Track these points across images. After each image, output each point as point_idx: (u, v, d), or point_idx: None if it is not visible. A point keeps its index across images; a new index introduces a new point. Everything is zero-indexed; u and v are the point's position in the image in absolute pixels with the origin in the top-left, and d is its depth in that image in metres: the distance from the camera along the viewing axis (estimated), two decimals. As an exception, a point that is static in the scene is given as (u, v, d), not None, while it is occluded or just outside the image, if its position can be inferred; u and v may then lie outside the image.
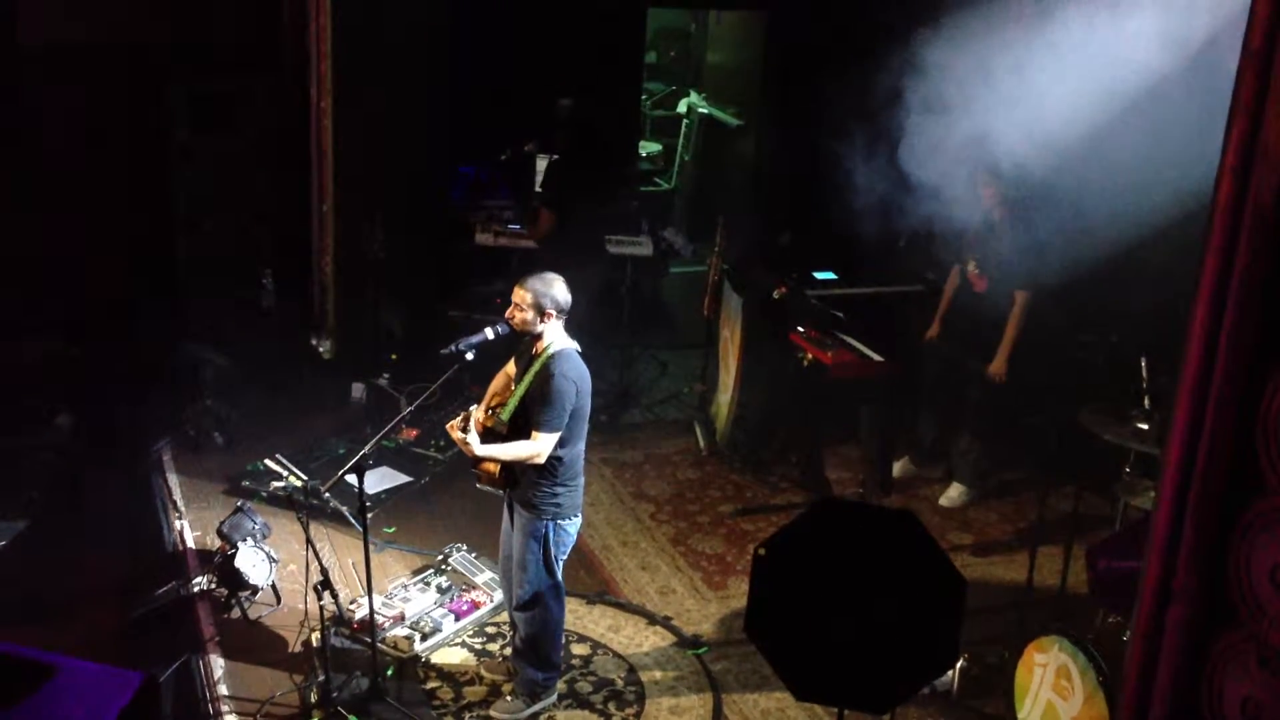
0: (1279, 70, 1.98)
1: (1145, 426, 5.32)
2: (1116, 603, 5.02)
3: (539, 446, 5.00)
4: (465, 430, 4.96)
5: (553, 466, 5.08)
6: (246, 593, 6.00)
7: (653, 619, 6.20)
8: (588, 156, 7.77)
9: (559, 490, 5.15)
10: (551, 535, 5.19)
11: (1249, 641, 2.14)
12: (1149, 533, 2.41)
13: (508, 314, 5.13)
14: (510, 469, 5.15)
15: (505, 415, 5.12)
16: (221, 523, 6.24)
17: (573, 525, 5.28)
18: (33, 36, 7.78)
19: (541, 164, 8.22)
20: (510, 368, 5.38)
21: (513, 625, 5.50)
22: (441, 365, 5.31)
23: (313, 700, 5.34)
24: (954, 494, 7.35)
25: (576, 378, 5.06)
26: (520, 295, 5.08)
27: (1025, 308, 6.77)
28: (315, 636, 5.59)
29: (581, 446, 5.23)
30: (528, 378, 5.10)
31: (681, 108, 12.27)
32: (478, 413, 5.10)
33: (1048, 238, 6.62)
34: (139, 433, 7.55)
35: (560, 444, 5.05)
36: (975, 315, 6.95)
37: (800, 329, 7.20)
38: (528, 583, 5.25)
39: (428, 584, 6.18)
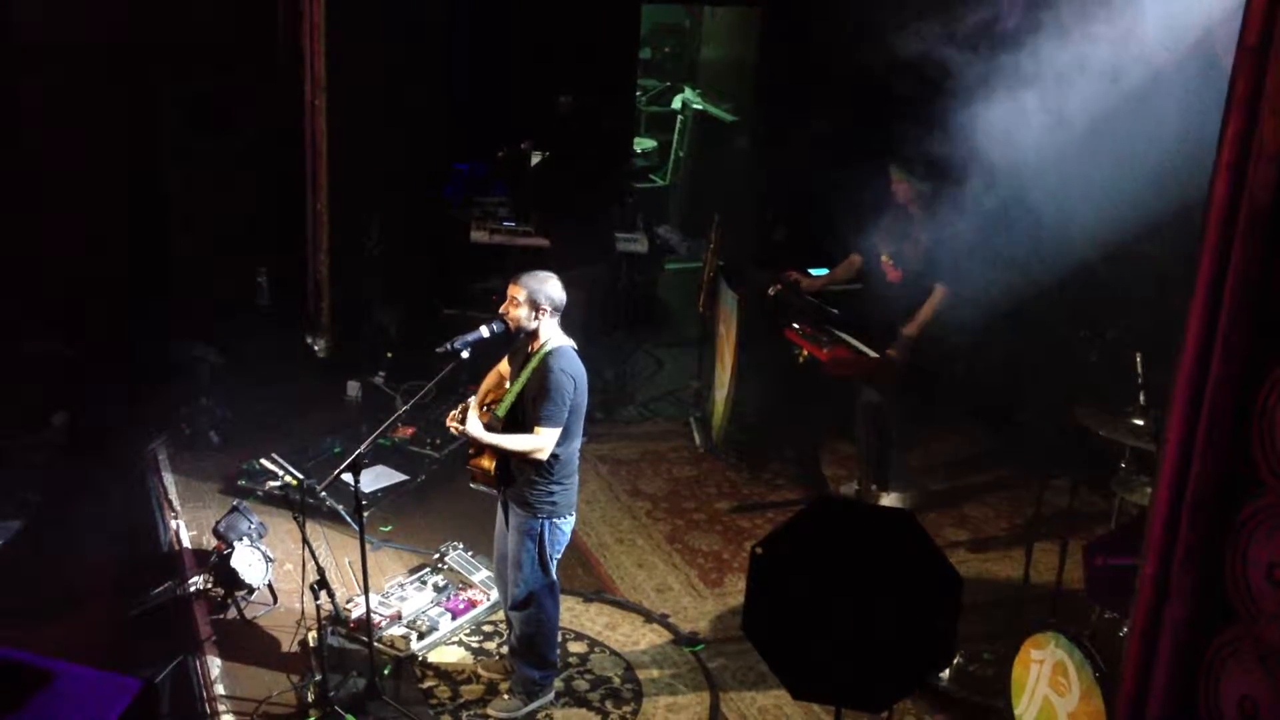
0: (1274, 68, 1.97)
1: (1141, 423, 5.32)
2: (1113, 600, 5.02)
3: (541, 441, 5.01)
4: (464, 421, 4.96)
5: (549, 464, 5.09)
6: (243, 592, 5.99)
7: (650, 617, 6.20)
8: (587, 153, 7.75)
9: (554, 488, 5.15)
10: (546, 534, 5.19)
11: (1246, 639, 2.14)
12: (1146, 530, 2.42)
13: (502, 310, 5.14)
14: (505, 468, 5.15)
15: (500, 412, 5.12)
16: (217, 522, 6.23)
17: (567, 524, 5.28)
18: (29, 36, 7.76)
19: (535, 160, 8.22)
20: (503, 366, 5.38)
21: (509, 624, 5.50)
22: (437, 363, 5.31)
23: (309, 699, 5.34)
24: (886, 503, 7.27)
25: (575, 374, 5.07)
26: (514, 291, 5.09)
27: (941, 300, 6.70)
28: (312, 636, 5.58)
29: (578, 445, 5.23)
30: (524, 374, 5.10)
31: (676, 104, 12.25)
32: (473, 412, 5.11)
33: (969, 235, 6.62)
34: (135, 432, 7.53)
35: (557, 441, 5.05)
36: (888, 309, 6.89)
37: (795, 325, 7.19)
38: (523, 582, 5.24)
39: (424, 582, 6.18)
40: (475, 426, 5.00)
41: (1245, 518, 2.12)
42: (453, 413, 5.03)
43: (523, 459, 5.08)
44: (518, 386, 5.11)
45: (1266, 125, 2.04)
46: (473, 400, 5.10)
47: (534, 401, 5.03)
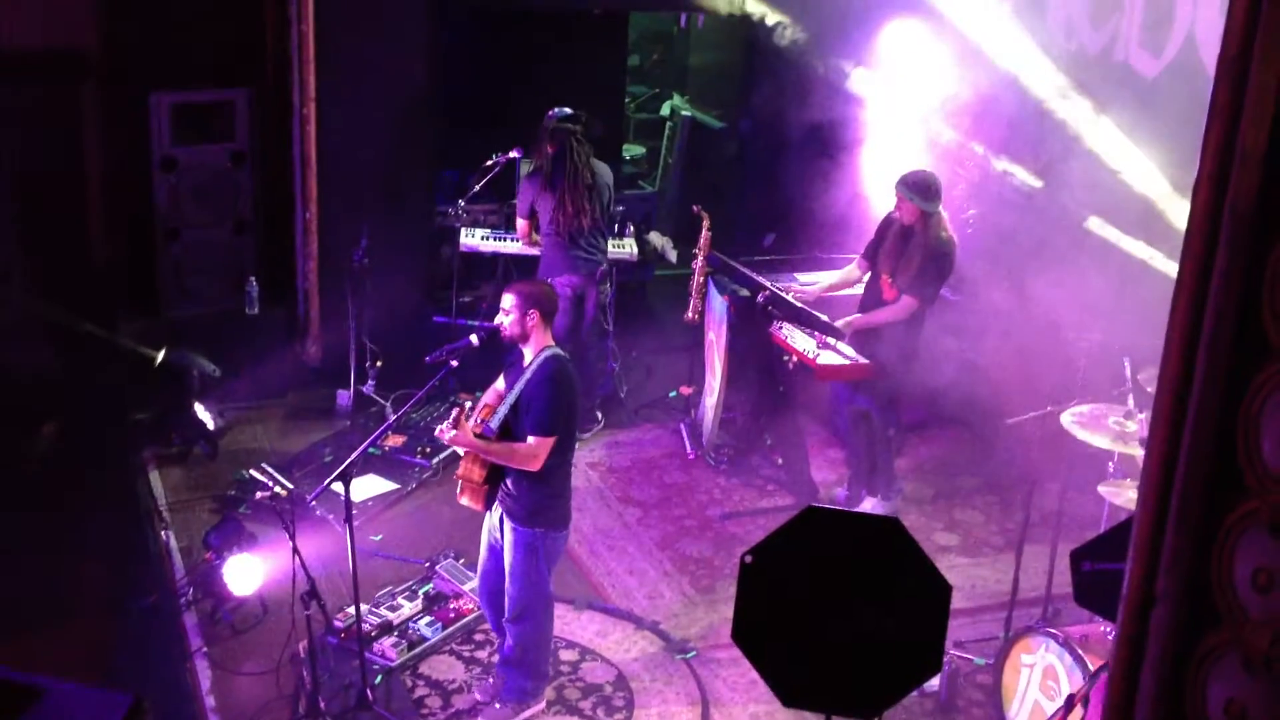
0: (1255, 76, 1.99)
1: (1130, 427, 5.35)
2: (1101, 606, 5.03)
3: (535, 449, 5.01)
4: (457, 426, 4.96)
5: (543, 474, 5.08)
6: (233, 603, 5.97)
7: (641, 624, 6.20)
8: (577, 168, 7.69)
9: (549, 499, 5.15)
10: (542, 545, 5.18)
11: (1232, 644, 2.15)
12: (1132, 535, 2.42)
13: (496, 321, 5.15)
14: (497, 479, 5.14)
15: (494, 423, 5.12)
16: (207, 533, 6.21)
17: (563, 535, 5.28)
18: (11, 42, 7.74)
19: (526, 169, 8.21)
20: (500, 383, 5.37)
21: (500, 633, 5.49)
22: (427, 372, 5.31)
23: (301, 710, 5.33)
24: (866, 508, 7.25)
25: (567, 383, 5.09)
26: (505, 300, 5.11)
27: (903, 312, 6.72)
28: (303, 646, 5.57)
29: (570, 455, 5.24)
30: (519, 385, 5.10)
31: (665, 110, 12.27)
32: (468, 422, 5.11)
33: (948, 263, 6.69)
34: (124, 442, 7.51)
35: (550, 450, 5.05)
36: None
37: (785, 331, 7.20)
38: (519, 595, 5.23)
39: (415, 592, 6.17)
40: (466, 434, 5.00)
41: (1230, 523, 2.13)
42: (442, 425, 5.04)
43: (517, 469, 5.08)
44: (512, 397, 5.11)
45: (1248, 133, 2.06)
46: (466, 404, 5.11)
47: (527, 410, 5.04)
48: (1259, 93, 1.96)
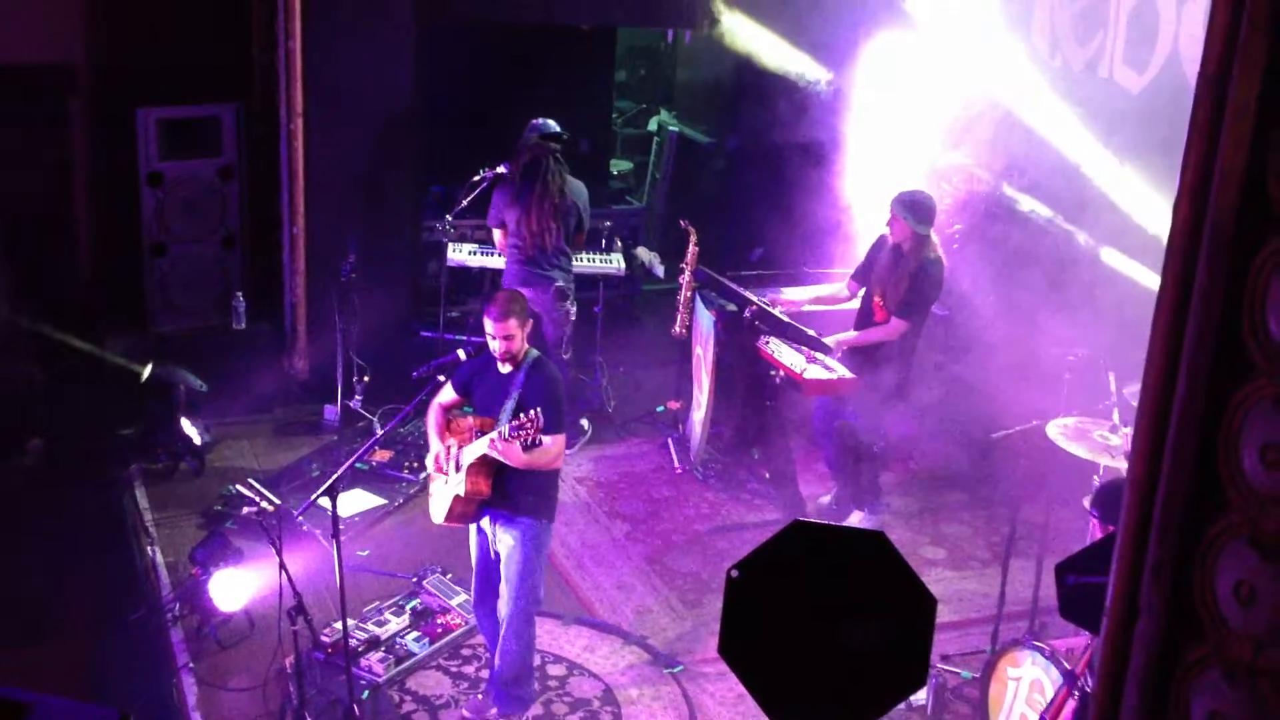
0: (1234, 95, 2.01)
1: (1115, 440, 5.38)
2: (1086, 619, 5.04)
3: (559, 446, 5.11)
4: (498, 445, 4.98)
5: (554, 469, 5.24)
6: (220, 619, 5.96)
7: (628, 638, 6.20)
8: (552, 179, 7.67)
9: (551, 489, 5.30)
10: (544, 539, 5.29)
11: (1215, 656, 2.16)
12: (1115, 549, 2.44)
13: (503, 349, 5.09)
14: (502, 484, 5.15)
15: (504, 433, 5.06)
16: (194, 548, 6.20)
17: (553, 529, 5.40)
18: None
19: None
20: (445, 396, 5.33)
21: (494, 643, 5.46)
22: (414, 387, 5.31)
23: (287, 726, 5.32)
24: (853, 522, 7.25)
25: (560, 379, 5.29)
26: (505, 327, 5.06)
27: (891, 334, 6.75)
28: (289, 662, 5.56)
29: None
30: (516, 392, 5.10)
31: (652, 126, 12.30)
32: (463, 449, 5.13)
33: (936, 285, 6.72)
34: (110, 457, 7.49)
35: None
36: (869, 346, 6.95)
37: (771, 345, 7.21)
38: (520, 595, 5.23)
39: (402, 607, 6.17)
40: (514, 447, 4.96)
41: (1212, 536, 2.14)
42: (493, 437, 4.99)
43: (520, 468, 5.09)
44: (511, 404, 5.10)
45: (1227, 151, 2.08)
46: (494, 433, 5.03)
47: (538, 412, 4.98)
48: (1238, 112, 1.98)
